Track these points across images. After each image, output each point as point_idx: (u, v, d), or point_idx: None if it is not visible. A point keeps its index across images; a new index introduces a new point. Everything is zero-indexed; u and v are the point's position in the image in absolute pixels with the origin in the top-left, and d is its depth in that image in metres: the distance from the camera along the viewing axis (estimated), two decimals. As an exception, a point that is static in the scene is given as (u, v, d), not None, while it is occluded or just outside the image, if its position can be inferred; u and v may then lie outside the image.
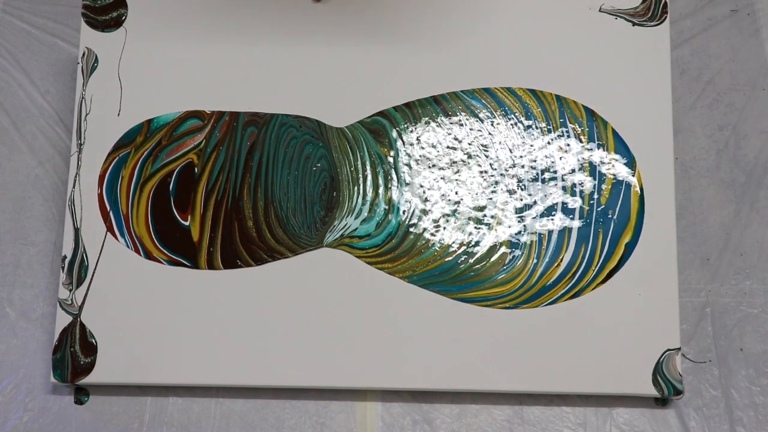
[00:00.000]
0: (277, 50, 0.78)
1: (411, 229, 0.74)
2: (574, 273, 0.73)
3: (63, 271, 0.73)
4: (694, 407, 0.73)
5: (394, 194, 0.75)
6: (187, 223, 0.74)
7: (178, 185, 0.75)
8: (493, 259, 0.73)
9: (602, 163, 0.75)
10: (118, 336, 0.72)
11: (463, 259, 0.73)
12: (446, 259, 0.73)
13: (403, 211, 0.74)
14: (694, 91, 0.82)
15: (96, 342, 0.72)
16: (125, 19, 0.78)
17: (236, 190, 0.75)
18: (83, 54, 0.77)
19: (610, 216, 0.74)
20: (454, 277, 0.73)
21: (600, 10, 0.78)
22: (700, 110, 0.81)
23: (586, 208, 0.74)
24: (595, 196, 0.74)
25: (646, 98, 0.76)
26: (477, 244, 0.73)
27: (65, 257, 0.73)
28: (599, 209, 0.74)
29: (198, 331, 0.72)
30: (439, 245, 0.74)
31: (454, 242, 0.74)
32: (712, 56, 0.83)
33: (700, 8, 0.84)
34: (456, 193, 0.74)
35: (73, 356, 0.71)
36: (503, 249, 0.73)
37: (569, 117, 0.76)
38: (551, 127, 0.76)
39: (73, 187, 0.75)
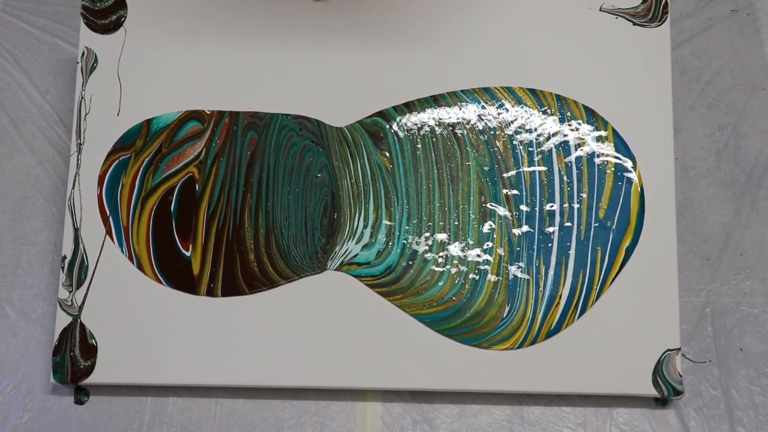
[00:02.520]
0: (277, 49, 0.78)
1: (411, 262, 0.73)
2: (576, 304, 0.72)
3: (63, 271, 0.73)
4: (694, 407, 0.73)
5: (396, 217, 0.74)
6: (188, 254, 0.73)
7: (179, 206, 0.74)
8: (490, 312, 0.72)
9: (600, 168, 0.75)
10: (118, 336, 0.72)
11: (457, 311, 0.72)
12: (439, 308, 0.72)
13: (404, 243, 0.73)
14: (694, 91, 0.82)
15: (96, 342, 0.72)
16: (124, 20, 0.78)
17: (237, 215, 0.74)
18: (83, 53, 0.77)
19: (609, 226, 0.73)
20: (450, 328, 0.72)
21: (600, 10, 0.78)
22: (700, 110, 0.81)
23: (584, 227, 0.73)
24: (594, 209, 0.74)
25: (646, 98, 0.76)
26: (474, 293, 0.72)
27: (65, 257, 0.73)
28: (597, 224, 0.73)
29: (198, 331, 0.72)
30: (437, 290, 0.72)
31: (454, 285, 0.72)
32: (712, 56, 0.83)
33: (700, 8, 0.84)
34: (457, 223, 0.73)
35: (73, 360, 0.71)
36: (500, 298, 0.72)
37: (569, 119, 0.76)
38: (550, 131, 0.75)
39: (73, 187, 0.75)
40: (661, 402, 0.72)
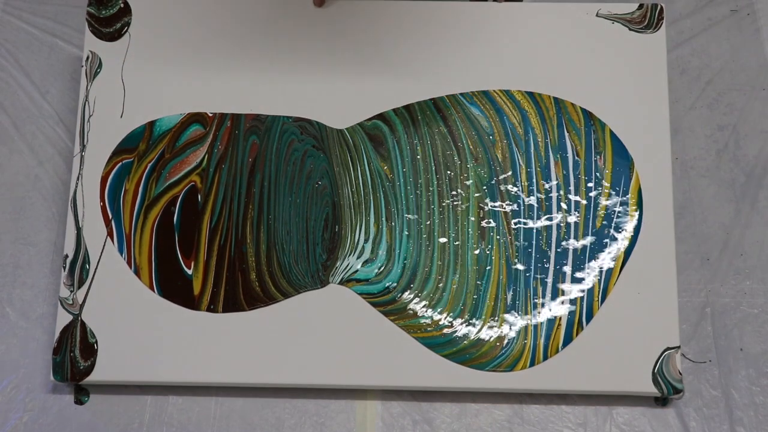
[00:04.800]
0: (278, 53, 0.78)
1: (410, 283, 0.72)
2: (579, 320, 0.72)
3: (64, 270, 0.73)
4: (694, 407, 0.73)
5: (396, 231, 0.74)
6: (190, 272, 0.73)
7: (182, 218, 0.74)
8: (489, 340, 0.71)
9: (598, 172, 0.74)
10: (118, 335, 0.72)
11: (455, 338, 0.71)
12: (435, 334, 0.72)
13: (404, 261, 0.73)
14: (693, 91, 0.82)
15: (96, 341, 0.72)
16: (128, 28, 0.78)
17: (239, 229, 0.74)
18: (87, 57, 0.77)
19: (606, 234, 0.73)
20: (448, 354, 0.71)
21: (597, 15, 0.78)
22: (700, 110, 0.81)
23: (580, 239, 0.73)
24: (591, 218, 0.73)
25: (643, 101, 0.76)
26: (472, 322, 0.72)
27: (66, 256, 0.73)
28: (594, 235, 0.73)
29: (198, 330, 0.72)
30: (435, 315, 0.72)
31: (449, 315, 0.72)
32: (712, 56, 0.83)
33: (700, 8, 0.85)
34: (457, 242, 0.73)
35: (73, 360, 0.71)
36: (499, 328, 0.72)
37: (566, 123, 0.76)
38: (548, 140, 0.75)
39: (76, 187, 0.75)
40: (661, 401, 0.72)
